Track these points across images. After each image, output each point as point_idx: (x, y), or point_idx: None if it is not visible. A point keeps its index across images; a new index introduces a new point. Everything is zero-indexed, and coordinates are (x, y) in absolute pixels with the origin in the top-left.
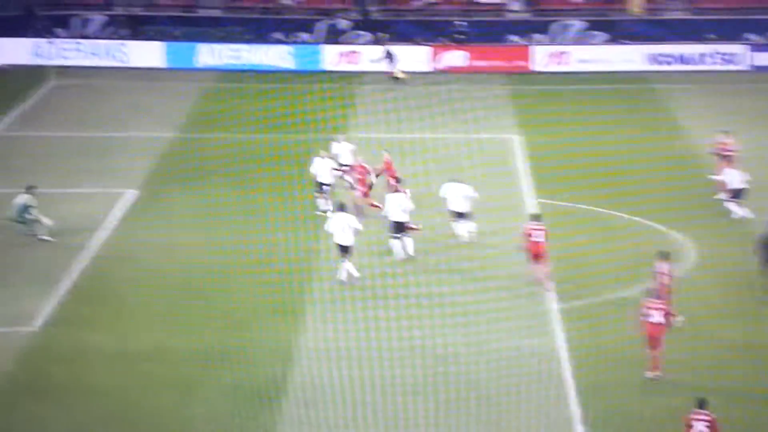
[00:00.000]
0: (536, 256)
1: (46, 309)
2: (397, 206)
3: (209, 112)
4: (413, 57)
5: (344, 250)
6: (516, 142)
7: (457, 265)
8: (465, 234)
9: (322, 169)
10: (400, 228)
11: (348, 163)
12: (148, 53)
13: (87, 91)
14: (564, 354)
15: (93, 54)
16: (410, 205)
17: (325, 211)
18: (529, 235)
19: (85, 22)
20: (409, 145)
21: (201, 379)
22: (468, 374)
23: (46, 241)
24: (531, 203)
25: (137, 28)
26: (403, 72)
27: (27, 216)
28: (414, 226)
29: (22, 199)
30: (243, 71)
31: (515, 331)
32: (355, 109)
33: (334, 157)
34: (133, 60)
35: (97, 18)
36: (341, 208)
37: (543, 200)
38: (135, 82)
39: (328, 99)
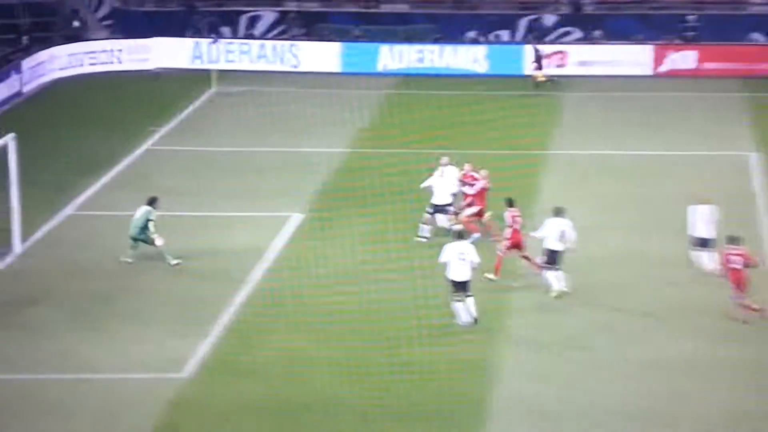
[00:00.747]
0: (736, 284)
1: (198, 353)
2: (558, 232)
3: (389, 123)
4: (631, 58)
5: (461, 287)
6: (753, 160)
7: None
8: (710, 265)
9: (439, 186)
10: (556, 258)
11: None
12: (322, 56)
13: (251, 100)
14: None
15: (260, 57)
16: (572, 234)
17: (426, 238)
18: (728, 262)
19: (253, 19)
20: (619, 161)
21: None
22: None
23: (128, 263)
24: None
25: (311, 27)
26: (546, 76)
27: (146, 232)
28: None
29: (143, 211)
30: (429, 76)
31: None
32: (560, 119)
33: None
34: (304, 64)
35: (267, 15)
36: (460, 236)
37: None
38: (306, 89)
39: (529, 108)
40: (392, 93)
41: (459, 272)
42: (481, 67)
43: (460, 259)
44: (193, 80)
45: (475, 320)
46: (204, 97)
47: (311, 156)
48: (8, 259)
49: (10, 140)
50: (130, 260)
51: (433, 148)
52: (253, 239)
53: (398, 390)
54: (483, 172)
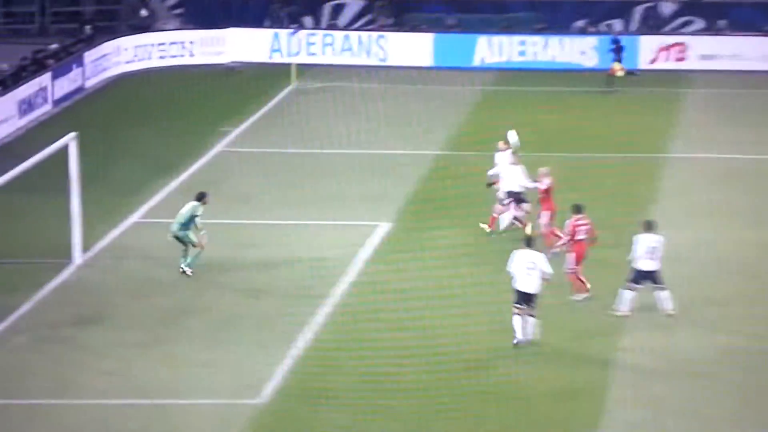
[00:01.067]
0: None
1: (274, 377)
2: (647, 249)
3: (487, 123)
4: (758, 51)
5: (527, 300)
6: None
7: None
8: None
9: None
10: (642, 278)
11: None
12: (412, 48)
13: (335, 97)
14: None
15: (344, 49)
16: (659, 252)
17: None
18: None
19: (337, 8)
20: (742, 166)
21: None
22: None
23: (185, 274)
24: None
25: (400, 17)
26: (625, 69)
27: (187, 232)
28: None
29: (189, 206)
30: (532, 71)
31: None
32: (679, 119)
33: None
34: (393, 57)
35: (352, 4)
36: (528, 242)
37: None
38: (395, 85)
39: (642, 107)
40: (490, 90)
41: (526, 283)
42: (591, 60)
43: (528, 269)
44: (272, 75)
45: (530, 343)
46: (283, 94)
47: (400, 159)
48: (67, 271)
49: (70, 140)
50: (189, 272)
51: (534, 151)
52: (336, 251)
53: (494, 420)
54: (544, 170)
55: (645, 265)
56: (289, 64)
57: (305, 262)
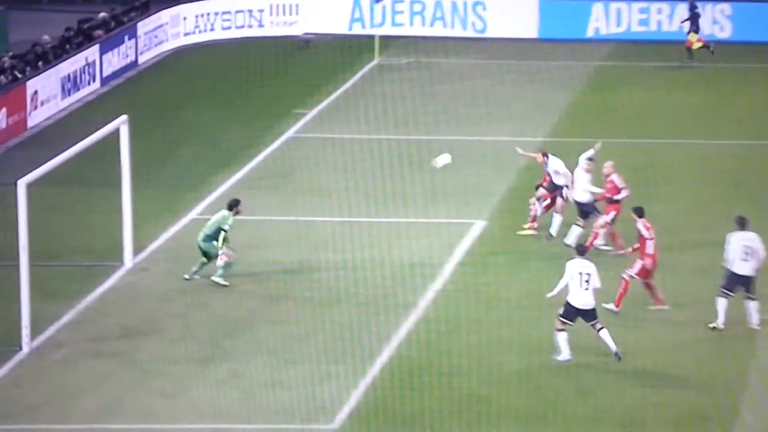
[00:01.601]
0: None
1: (351, 398)
2: (741, 250)
3: (601, 105)
4: None
5: (585, 315)
6: None
7: None
8: None
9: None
10: (737, 284)
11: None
12: (515, 18)
13: (424, 74)
14: None
15: (436, 19)
16: (761, 252)
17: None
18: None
19: None
20: None
21: None
22: None
23: (221, 285)
24: None
25: None
26: (703, 41)
27: (214, 243)
28: None
29: (218, 216)
30: (655, 43)
31: None
32: None
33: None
34: (492, 28)
35: None
36: (581, 251)
37: None
38: (494, 60)
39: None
40: (606, 66)
41: (584, 297)
42: (724, 31)
43: (585, 281)
44: (351, 49)
45: (618, 356)
46: (364, 71)
47: (499, 147)
48: (115, 276)
49: (121, 124)
50: (222, 281)
51: (656, 137)
52: (424, 253)
53: None
54: (609, 164)
55: (740, 268)
56: (371, 37)
57: (388, 267)
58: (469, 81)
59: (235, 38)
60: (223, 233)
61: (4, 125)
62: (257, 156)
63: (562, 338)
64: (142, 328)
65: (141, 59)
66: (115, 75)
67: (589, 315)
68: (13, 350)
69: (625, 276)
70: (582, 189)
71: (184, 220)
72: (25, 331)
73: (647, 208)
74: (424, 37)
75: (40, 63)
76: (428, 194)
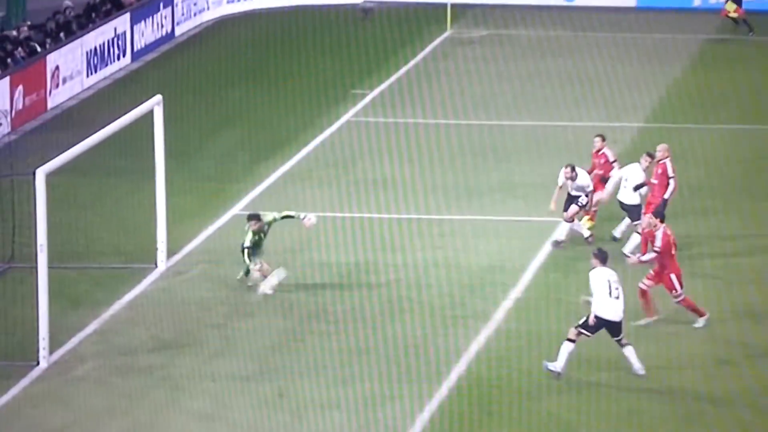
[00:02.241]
0: None
1: (417, 422)
2: None
3: (704, 86)
4: None
5: (612, 329)
6: None
7: None
8: None
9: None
10: None
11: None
12: None
13: (502, 49)
14: None
15: None
16: None
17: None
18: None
19: None
20: None
21: None
22: None
23: (266, 293)
24: None
25: None
26: (741, 10)
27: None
28: None
29: (270, 217)
30: None
31: None
32: None
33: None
34: None
35: None
36: (604, 258)
37: None
38: (584, 33)
39: None
40: (714, 40)
41: (614, 309)
42: None
43: (615, 290)
44: (419, 20)
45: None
46: (434, 45)
47: (590, 134)
48: (148, 280)
49: (155, 105)
50: (239, 277)
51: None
52: (501, 255)
53: None
54: (663, 147)
55: None
56: (443, 5)
57: (458, 271)
58: (553, 57)
59: (285, 6)
60: (246, 250)
61: (20, 106)
62: (310, 143)
63: (566, 349)
64: (177, 341)
65: (178, 31)
66: (148, 49)
67: (617, 328)
68: (29, 365)
69: (642, 286)
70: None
71: (225, 217)
72: (43, 344)
73: (759, 207)
74: (502, 6)
75: (61, 34)
76: (505, 188)
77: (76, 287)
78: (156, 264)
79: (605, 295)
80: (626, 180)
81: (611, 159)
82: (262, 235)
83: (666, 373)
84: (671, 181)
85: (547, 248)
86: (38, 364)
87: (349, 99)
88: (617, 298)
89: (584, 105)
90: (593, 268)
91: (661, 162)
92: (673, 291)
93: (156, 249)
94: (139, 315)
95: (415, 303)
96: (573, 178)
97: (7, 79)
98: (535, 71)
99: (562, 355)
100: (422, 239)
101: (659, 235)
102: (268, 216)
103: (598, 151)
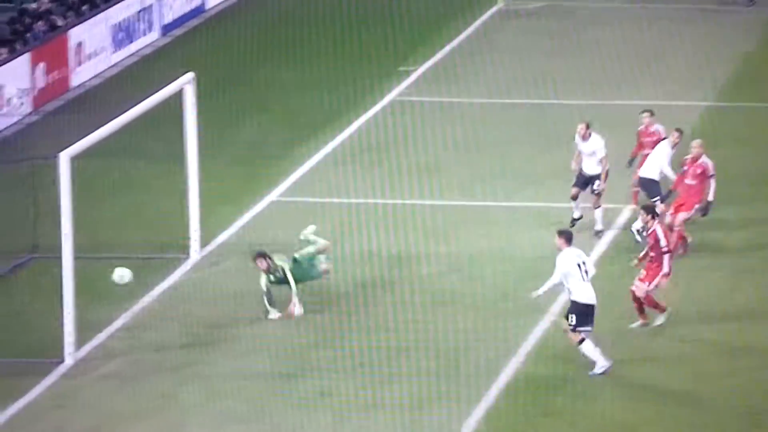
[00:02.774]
0: None
1: (465, 425)
2: None
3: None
4: None
5: (592, 315)
6: None
7: None
8: None
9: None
10: None
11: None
12: None
13: (559, 22)
14: None
15: None
16: None
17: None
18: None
19: None
20: None
21: None
22: None
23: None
24: None
25: None
26: None
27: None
28: None
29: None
30: None
31: None
32: None
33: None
34: None
35: None
36: (569, 238)
37: None
38: (645, 5)
39: None
40: None
41: (589, 293)
42: None
43: (584, 272)
44: None
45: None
46: (484, 19)
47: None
48: (179, 272)
49: (186, 84)
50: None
51: None
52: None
53: None
54: (698, 143)
55: None
56: None
57: (511, 261)
58: (613, 29)
59: None
60: (264, 297)
61: (42, 84)
62: (352, 124)
63: (588, 348)
64: (211, 336)
65: (209, 3)
66: (177, 23)
67: (592, 313)
68: (54, 362)
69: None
70: (656, 165)
71: (261, 204)
72: (69, 339)
73: None
74: None
75: (84, 7)
76: (561, 172)
77: (103, 279)
78: (188, 254)
79: (577, 279)
80: (652, 156)
81: (663, 136)
82: (277, 275)
83: (722, 379)
84: (712, 180)
85: (607, 237)
86: (63, 361)
87: (395, 76)
88: (589, 282)
89: (647, 82)
90: (560, 250)
91: (699, 162)
92: (647, 284)
93: (188, 238)
94: (170, 309)
95: (464, 296)
96: (585, 138)
97: (27, 55)
98: (592, 45)
99: (592, 355)
100: (470, 228)
101: (660, 234)
102: (276, 260)
103: (648, 128)
